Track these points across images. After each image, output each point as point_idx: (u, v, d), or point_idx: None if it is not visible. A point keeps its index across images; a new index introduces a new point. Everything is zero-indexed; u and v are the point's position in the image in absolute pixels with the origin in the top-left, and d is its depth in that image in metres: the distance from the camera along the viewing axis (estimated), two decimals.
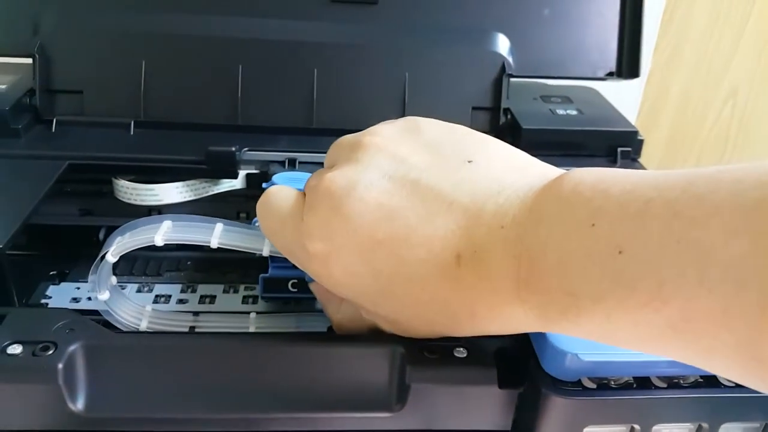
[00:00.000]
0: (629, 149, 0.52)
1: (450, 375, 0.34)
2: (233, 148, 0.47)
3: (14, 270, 0.46)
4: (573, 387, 0.31)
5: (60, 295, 0.47)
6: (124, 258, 0.51)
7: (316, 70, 0.53)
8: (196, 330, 0.41)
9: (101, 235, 0.53)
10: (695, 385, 0.33)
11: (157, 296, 0.47)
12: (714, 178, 0.23)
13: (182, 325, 0.41)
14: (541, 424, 0.32)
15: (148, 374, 0.34)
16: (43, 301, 0.46)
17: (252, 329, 0.41)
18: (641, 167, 0.52)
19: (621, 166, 0.51)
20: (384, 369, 0.34)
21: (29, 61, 0.52)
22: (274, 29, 0.53)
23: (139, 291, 0.48)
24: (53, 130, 0.51)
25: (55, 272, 0.50)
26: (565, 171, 0.28)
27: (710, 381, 0.33)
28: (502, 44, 0.54)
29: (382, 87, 0.53)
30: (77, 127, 0.52)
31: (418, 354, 0.34)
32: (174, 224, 0.40)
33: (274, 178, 0.45)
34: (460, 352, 0.34)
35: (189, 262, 0.53)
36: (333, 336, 0.38)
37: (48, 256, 0.51)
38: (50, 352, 0.32)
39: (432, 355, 0.34)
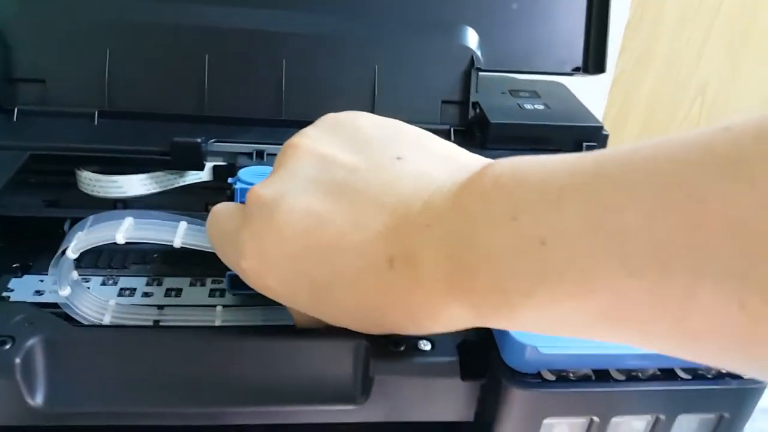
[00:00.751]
0: (594, 144, 0.53)
1: (414, 367, 0.34)
2: (198, 140, 0.47)
3: None
4: (533, 379, 0.32)
5: (23, 288, 0.46)
6: (89, 251, 0.51)
7: (284, 61, 0.52)
8: (161, 324, 0.41)
9: (66, 227, 0.52)
10: (653, 378, 0.33)
11: (121, 289, 0.47)
12: (626, 158, 0.22)
13: (146, 319, 0.41)
14: (501, 415, 0.33)
15: (109, 368, 0.34)
16: (5, 294, 0.45)
17: (218, 323, 0.41)
18: None
19: None
20: (348, 362, 0.34)
21: None
22: (242, 18, 0.53)
23: (103, 284, 0.47)
24: (15, 119, 0.50)
25: (18, 265, 0.49)
26: (490, 162, 0.27)
27: (667, 374, 0.33)
28: (471, 38, 0.54)
29: (351, 79, 0.53)
30: (40, 117, 0.51)
31: (382, 347, 0.34)
32: (136, 222, 0.39)
33: (240, 173, 0.45)
34: (425, 345, 0.35)
35: (155, 255, 0.52)
36: (297, 330, 0.38)
37: (12, 248, 0.50)
38: (7, 346, 0.32)
39: (396, 348, 0.34)
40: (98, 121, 0.51)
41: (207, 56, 0.52)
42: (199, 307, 0.44)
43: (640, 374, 0.33)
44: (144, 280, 0.48)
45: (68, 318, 0.39)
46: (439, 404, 0.35)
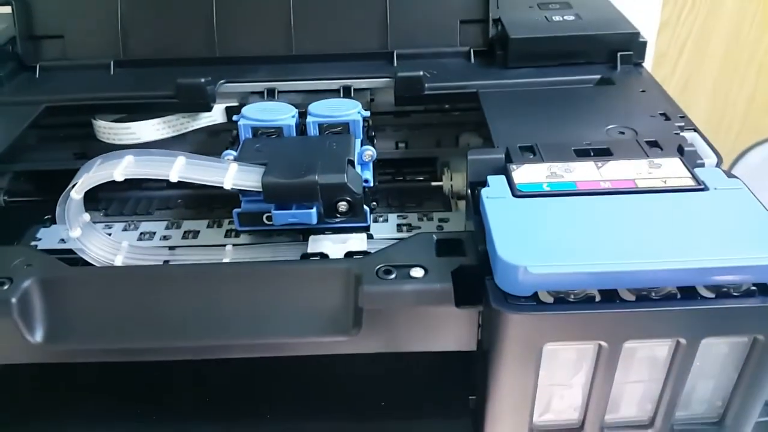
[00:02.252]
0: (630, 53, 0.47)
1: (405, 296, 0.32)
2: (202, 80, 0.46)
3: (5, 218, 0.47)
4: (526, 302, 0.29)
5: (49, 237, 0.48)
6: (114, 200, 0.53)
7: None
8: (171, 263, 0.41)
9: None
10: (669, 297, 0.30)
11: (141, 233, 0.48)
12: None
13: (157, 259, 0.41)
14: (497, 341, 0.30)
15: (105, 306, 0.34)
16: (33, 243, 0.47)
17: (227, 261, 0.41)
18: (647, 73, 0.47)
19: (621, 73, 0.47)
20: (338, 292, 0.33)
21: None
22: None
23: (125, 229, 0.48)
24: (37, 76, 0.51)
25: (49, 216, 0.51)
26: None
27: (687, 292, 0.30)
28: None
29: (362, 6, 0.50)
30: (60, 72, 0.52)
31: (372, 275, 0.33)
32: (135, 159, 0.39)
33: (244, 110, 0.44)
34: (417, 272, 0.33)
35: (179, 200, 0.53)
36: (286, 261, 0.37)
37: (45, 201, 0.52)
38: (5, 287, 0.33)
39: (387, 276, 0.32)
40: (114, 71, 0.51)
41: None
42: (210, 246, 0.44)
43: (653, 293, 0.30)
44: (164, 224, 0.48)
45: (84, 261, 0.40)
46: (437, 334, 0.33)
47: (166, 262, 0.41)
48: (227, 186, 0.38)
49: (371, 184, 0.42)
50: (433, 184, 0.52)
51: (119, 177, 0.38)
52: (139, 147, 0.50)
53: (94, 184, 0.39)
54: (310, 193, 0.37)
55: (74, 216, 0.40)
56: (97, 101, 0.47)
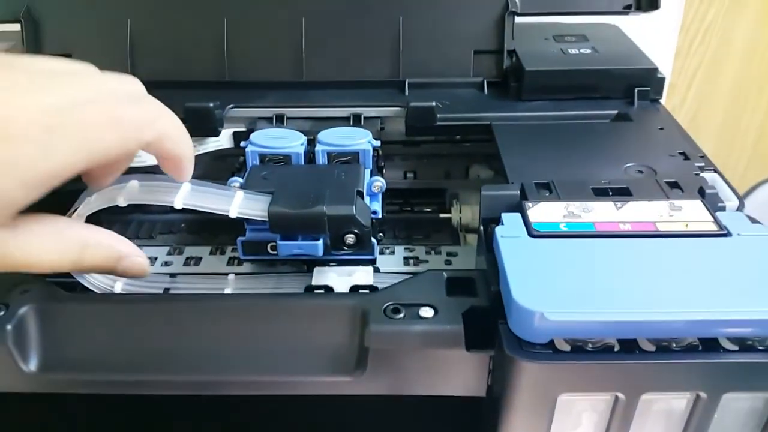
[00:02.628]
0: (648, 89, 0.46)
1: (414, 337, 0.31)
2: (210, 104, 0.45)
3: None
4: (542, 350, 0.28)
5: None
6: (118, 222, 0.52)
7: (304, 19, 0.49)
8: (171, 292, 0.40)
9: None
10: (691, 349, 0.28)
11: None
12: None
13: (157, 287, 0.40)
14: (510, 390, 0.29)
15: (102, 336, 0.33)
16: None
17: (228, 291, 0.39)
18: (664, 110, 0.46)
19: (639, 108, 0.46)
20: (343, 330, 0.32)
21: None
22: None
23: None
24: None
25: None
26: None
27: (709, 344, 0.28)
28: None
29: (374, 33, 0.49)
30: None
31: (380, 314, 0.31)
32: (140, 185, 0.38)
33: (252, 136, 0.43)
34: (427, 312, 0.31)
35: (183, 225, 0.52)
36: (290, 295, 0.36)
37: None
38: (0, 313, 0.32)
39: (396, 316, 0.31)
40: None
41: (225, 19, 0.50)
42: (212, 275, 0.42)
43: (674, 344, 0.28)
44: (166, 249, 0.47)
45: (83, 287, 0.39)
46: (446, 378, 0.32)
47: (166, 290, 0.40)
48: (233, 215, 0.37)
49: (379, 216, 0.41)
50: (442, 215, 0.51)
51: (123, 203, 0.37)
52: (144, 170, 0.49)
53: (97, 209, 0.37)
54: (317, 225, 0.36)
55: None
56: None
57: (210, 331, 0.33)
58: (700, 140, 0.42)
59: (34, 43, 0.51)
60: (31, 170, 0.27)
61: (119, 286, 0.39)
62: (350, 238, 0.37)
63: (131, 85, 0.33)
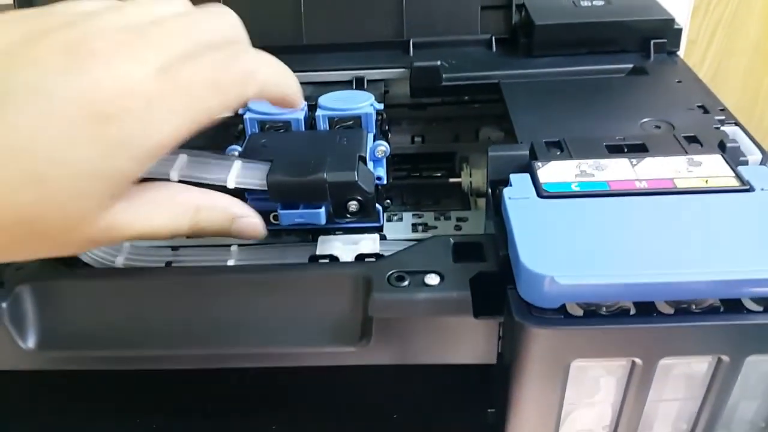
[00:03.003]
0: (664, 41, 0.44)
1: (419, 305, 0.29)
2: None
3: None
4: (553, 315, 0.27)
5: None
6: None
7: None
8: (173, 265, 0.39)
9: None
10: (712, 311, 0.27)
11: None
12: None
13: (159, 260, 0.39)
14: (521, 357, 0.28)
15: (102, 311, 0.32)
16: None
17: (231, 263, 0.38)
18: (682, 63, 0.44)
19: (655, 62, 0.44)
20: (346, 299, 0.31)
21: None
22: None
23: None
24: None
25: None
26: None
27: (732, 305, 0.27)
28: None
29: None
30: None
31: (384, 282, 0.30)
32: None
33: (250, 103, 0.42)
34: (433, 279, 0.30)
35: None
36: (290, 266, 0.34)
37: None
38: None
39: (400, 284, 0.30)
40: None
41: None
42: (214, 247, 0.41)
43: (694, 306, 0.27)
44: None
45: (82, 263, 0.38)
46: (454, 345, 0.31)
47: (168, 263, 0.39)
48: (230, 185, 0.36)
49: (384, 182, 0.40)
50: (451, 180, 0.49)
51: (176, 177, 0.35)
52: None
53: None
54: (318, 193, 0.35)
55: None
56: None
57: (211, 304, 0.32)
58: (722, 98, 0.40)
59: None
60: (138, 147, 0.25)
61: (120, 260, 0.38)
62: (353, 206, 0.36)
63: (226, 24, 0.30)
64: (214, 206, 0.31)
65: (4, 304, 0.31)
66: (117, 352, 0.32)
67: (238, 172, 0.35)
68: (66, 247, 0.27)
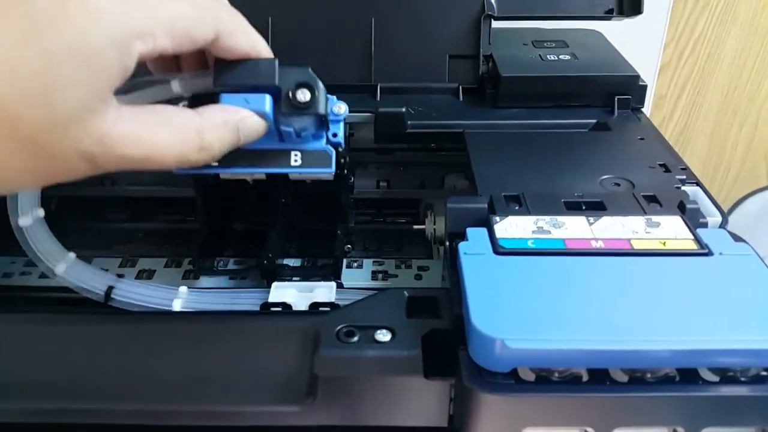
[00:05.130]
0: (628, 97, 0.44)
1: (367, 363, 0.28)
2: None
3: None
4: (504, 380, 0.25)
5: None
6: (74, 231, 0.49)
7: (270, 18, 0.47)
8: (113, 295, 0.37)
9: (52, 206, 0.50)
10: (667, 381, 0.26)
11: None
12: None
13: (100, 284, 0.37)
14: (471, 422, 0.27)
15: (32, 358, 0.30)
16: None
17: (177, 304, 0.37)
18: (646, 119, 0.44)
19: (619, 118, 0.44)
20: (294, 354, 0.29)
21: None
22: None
23: None
24: None
25: None
26: None
27: (688, 375, 0.26)
28: None
29: (345, 34, 0.47)
30: None
31: (332, 337, 0.29)
32: None
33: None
34: (384, 335, 0.29)
35: (140, 234, 0.49)
36: (237, 314, 0.33)
37: None
38: None
39: (350, 339, 0.29)
40: None
41: None
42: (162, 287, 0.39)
43: (649, 375, 0.26)
44: (119, 260, 0.45)
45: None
46: (403, 406, 0.29)
47: (110, 288, 0.36)
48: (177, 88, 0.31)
49: (342, 144, 0.36)
50: (415, 227, 0.49)
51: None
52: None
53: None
54: (266, 72, 0.31)
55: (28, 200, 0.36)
56: None
57: (151, 353, 0.30)
58: (690, 152, 0.40)
59: None
60: (116, 25, 0.24)
61: (61, 269, 0.36)
62: (302, 93, 0.32)
63: None
64: (214, 123, 0.29)
65: None
66: (46, 404, 0.30)
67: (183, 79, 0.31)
68: (60, 161, 0.25)
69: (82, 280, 0.37)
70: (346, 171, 0.43)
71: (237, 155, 0.32)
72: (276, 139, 0.34)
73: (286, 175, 0.41)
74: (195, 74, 0.32)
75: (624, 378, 0.26)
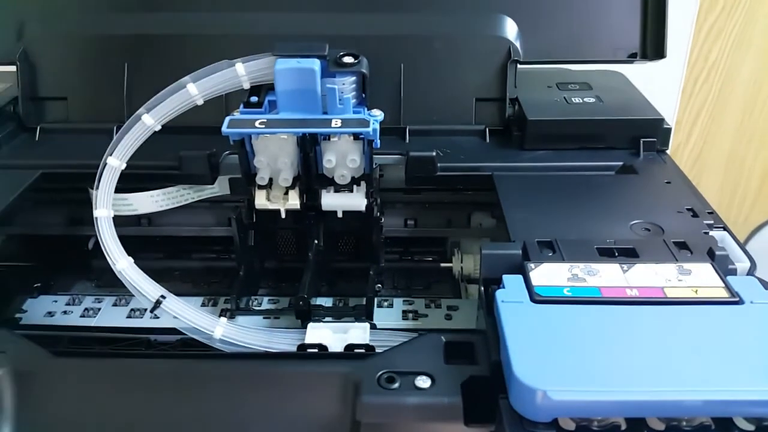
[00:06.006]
0: (653, 140, 0.45)
1: (409, 410, 0.29)
2: (206, 152, 0.44)
3: None
4: (545, 430, 0.26)
5: (36, 309, 0.45)
6: (108, 271, 0.50)
7: None
8: (162, 306, 0.38)
9: (90, 245, 0.52)
10: (703, 429, 0.27)
11: (132, 310, 0.45)
12: None
13: (151, 295, 0.38)
14: None
15: (82, 401, 0.31)
16: (18, 315, 0.45)
17: (217, 334, 0.37)
18: (671, 162, 0.45)
19: (644, 160, 0.45)
20: (335, 401, 0.30)
21: None
22: (259, 23, 0.50)
23: (115, 305, 0.46)
24: (36, 138, 0.50)
25: (39, 285, 0.48)
26: None
27: (723, 424, 0.27)
28: (508, 28, 0.48)
29: (375, 79, 0.48)
30: (61, 135, 0.50)
31: (373, 383, 0.30)
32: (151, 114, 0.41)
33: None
34: (424, 381, 0.30)
35: (176, 273, 0.50)
36: (281, 358, 0.34)
37: (36, 267, 0.50)
38: None
39: (391, 386, 0.30)
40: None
41: None
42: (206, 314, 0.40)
43: (685, 423, 0.27)
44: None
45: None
46: None
47: (158, 301, 0.38)
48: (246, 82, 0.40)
49: (378, 143, 0.41)
50: (442, 265, 0.49)
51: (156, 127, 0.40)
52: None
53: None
54: (319, 47, 0.39)
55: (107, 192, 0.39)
56: (95, 170, 0.45)
57: (194, 397, 0.31)
58: (705, 178, 0.41)
59: (29, 85, 0.50)
60: None
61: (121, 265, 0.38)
62: (348, 59, 0.39)
63: None
64: None
65: None
66: None
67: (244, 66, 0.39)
68: None
69: (139, 282, 0.38)
70: (377, 212, 0.44)
71: (283, 122, 0.38)
72: (320, 112, 0.40)
73: (318, 209, 0.43)
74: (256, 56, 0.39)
75: (661, 426, 0.27)
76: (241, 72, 0.40)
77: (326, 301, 0.46)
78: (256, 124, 0.39)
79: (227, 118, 0.40)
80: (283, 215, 0.44)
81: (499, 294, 0.31)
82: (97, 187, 0.39)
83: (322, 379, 0.31)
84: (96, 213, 0.39)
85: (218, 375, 0.31)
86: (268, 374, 0.31)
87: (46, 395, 0.31)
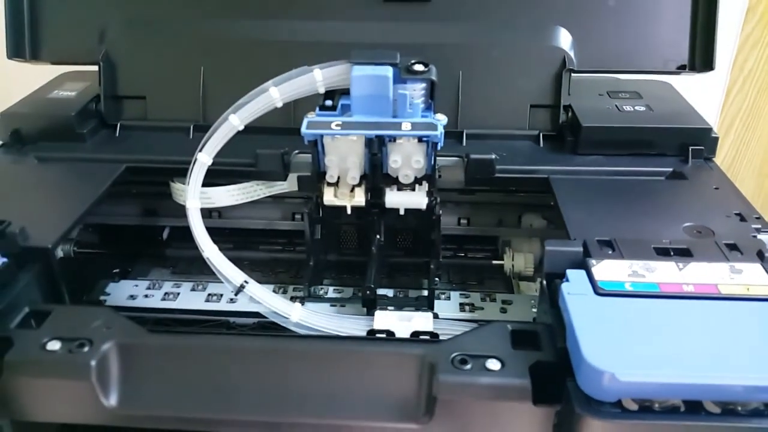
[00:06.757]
0: (701, 148, 0.48)
1: (481, 389, 0.32)
2: (281, 151, 0.47)
3: (76, 268, 0.48)
4: (611, 408, 0.29)
5: (118, 293, 0.49)
6: (183, 259, 0.54)
7: None
8: (245, 290, 0.42)
9: (165, 234, 0.55)
10: (756, 414, 0.29)
11: (209, 295, 0.49)
12: None
13: (235, 279, 0.42)
14: None
15: (180, 373, 0.35)
16: (102, 297, 0.48)
17: (294, 318, 0.41)
18: (718, 169, 0.47)
19: (693, 167, 0.47)
20: (412, 379, 0.33)
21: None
22: (327, 31, 0.53)
23: (193, 290, 0.49)
24: (117, 134, 0.53)
25: (117, 270, 0.52)
26: None
27: None
28: (563, 38, 0.51)
29: None
30: (140, 131, 0.54)
31: (448, 364, 0.32)
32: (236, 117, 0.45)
33: None
34: (494, 364, 0.32)
35: (246, 262, 0.54)
36: (361, 340, 0.37)
37: (113, 255, 0.54)
38: (85, 349, 0.33)
39: (463, 367, 0.32)
40: (193, 135, 0.53)
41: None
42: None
43: (740, 408, 0.29)
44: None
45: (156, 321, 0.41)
46: (510, 428, 0.33)
47: (242, 285, 0.41)
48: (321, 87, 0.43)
49: (441, 143, 0.43)
50: (494, 262, 0.52)
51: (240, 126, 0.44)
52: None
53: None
54: (392, 54, 0.42)
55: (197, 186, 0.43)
56: (177, 165, 0.48)
57: (281, 372, 0.34)
58: (737, 187, 0.43)
59: (110, 84, 0.54)
60: None
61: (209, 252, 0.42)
62: (419, 66, 0.42)
63: None
64: None
65: (93, 362, 0.33)
66: (188, 413, 0.34)
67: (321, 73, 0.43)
68: None
69: (225, 268, 0.42)
70: (438, 210, 0.47)
71: (358, 124, 0.41)
72: (391, 116, 0.43)
73: (381, 206, 0.46)
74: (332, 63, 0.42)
75: (717, 410, 0.29)
76: (319, 78, 0.43)
77: (387, 292, 0.49)
78: (333, 125, 0.42)
79: (306, 120, 0.43)
80: (349, 211, 0.47)
81: (565, 287, 0.34)
82: (189, 181, 0.43)
83: (401, 358, 0.33)
84: (187, 204, 0.42)
85: (304, 353, 0.34)
86: (350, 353, 0.34)
87: (146, 366, 0.35)
